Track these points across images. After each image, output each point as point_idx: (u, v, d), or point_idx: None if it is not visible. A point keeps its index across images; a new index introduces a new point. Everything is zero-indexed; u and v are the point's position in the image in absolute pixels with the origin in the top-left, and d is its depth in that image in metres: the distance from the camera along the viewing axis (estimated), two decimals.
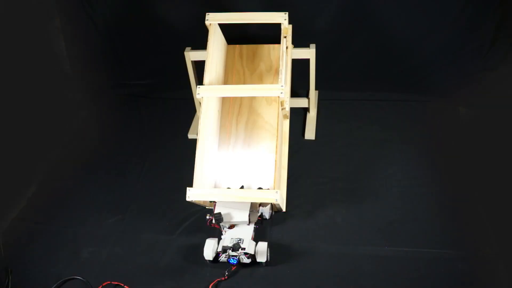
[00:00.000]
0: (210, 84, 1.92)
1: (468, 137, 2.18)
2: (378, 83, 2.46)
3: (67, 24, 2.48)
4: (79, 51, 2.57)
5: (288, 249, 1.84)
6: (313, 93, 2.29)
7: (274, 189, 1.75)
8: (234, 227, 1.84)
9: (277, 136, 1.86)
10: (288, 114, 1.99)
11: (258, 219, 1.87)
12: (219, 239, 1.81)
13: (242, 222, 1.82)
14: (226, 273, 1.73)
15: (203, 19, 1.97)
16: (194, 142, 1.86)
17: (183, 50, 2.16)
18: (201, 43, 2.03)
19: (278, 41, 1.97)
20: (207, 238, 1.81)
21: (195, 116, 2.44)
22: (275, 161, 1.79)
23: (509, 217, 1.82)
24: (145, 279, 1.78)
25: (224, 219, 1.77)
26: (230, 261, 1.73)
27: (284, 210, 1.95)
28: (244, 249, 1.72)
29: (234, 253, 1.72)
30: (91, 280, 1.78)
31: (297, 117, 2.37)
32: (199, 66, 2.10)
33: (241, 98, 2.11)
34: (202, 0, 2.23)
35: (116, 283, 1.76)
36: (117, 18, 2.42)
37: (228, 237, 1.78)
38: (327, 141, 2.27)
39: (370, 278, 1.72)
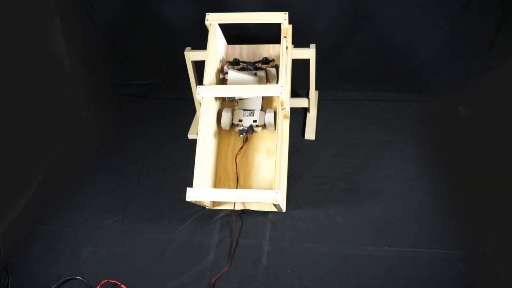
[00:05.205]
0: (210, 84, 1.92)
1: (468, 137, 2.18)
2: (378, 83, 2.45)
3: (67, 24, 2.48)
4: (79, 51, 2.57)
5: (288, 249, 1.84)
6: (313, 93, 2.28)
7: (274, 189, 1.74)
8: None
9: (277, 136, 1.86)
10: (288, 114, 1.98)
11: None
12: (233, 110, 2.02)
13: (252, 97, 2.01)
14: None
15: (203, 19, 1.97)
16: (194, 142, 1.86)
17: (183, 50, 2.16)
18: (201, 43, 2.04)
19: (278, 41, 1.97)
20: (207, 237, 1.83)
21: (195, 116, 2.44)
22: (275, 161, 1.79)
23: (509, 217, 1.82)
24: (145, 279, 1.79)
25: (236, 97, 1.98)
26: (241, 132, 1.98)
27: (284, 210, 1.95)
28: (256, 121, 1.98)
29: (247, 126, 1.97)
30: (91, 280, 1.78)
31: (297, 117, 2.37)
32: (199, 66, 2.10)
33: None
34: (202, 0, 2.23)
35: (114, 281, 1.76)
36: (117, 18, 2.41)
37: (241, 109, 2.01)
38: (327, 141, 2.26)
39: (370, 278, 1.72)
